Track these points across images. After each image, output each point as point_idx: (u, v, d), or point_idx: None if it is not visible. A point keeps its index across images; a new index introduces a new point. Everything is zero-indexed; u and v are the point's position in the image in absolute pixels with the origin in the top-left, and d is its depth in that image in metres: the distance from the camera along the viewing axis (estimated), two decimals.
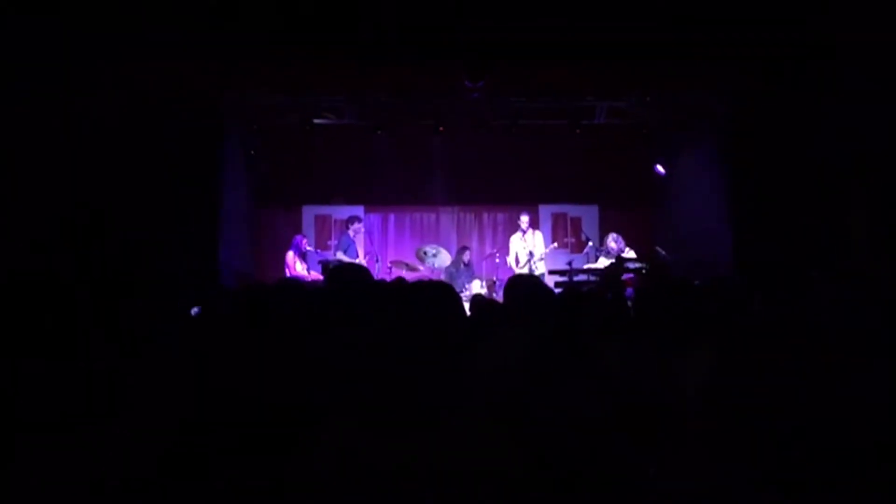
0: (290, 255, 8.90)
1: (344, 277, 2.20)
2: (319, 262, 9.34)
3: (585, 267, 8.70)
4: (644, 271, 7.68)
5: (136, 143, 7.26)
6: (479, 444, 1.75)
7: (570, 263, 8.41)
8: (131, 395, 2.34)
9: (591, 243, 9.18)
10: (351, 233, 9.19)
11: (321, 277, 8.89)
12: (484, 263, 10.01)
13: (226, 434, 2.03)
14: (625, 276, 7.73)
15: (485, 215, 11.12)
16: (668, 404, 2.03)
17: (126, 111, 7.20)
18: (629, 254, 8.55)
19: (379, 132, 9.24)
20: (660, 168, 9.90)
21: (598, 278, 8.12)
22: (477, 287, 8.87)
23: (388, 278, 8.24)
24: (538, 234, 9.48)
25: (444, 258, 9.30)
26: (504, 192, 10.60)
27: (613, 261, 8.41)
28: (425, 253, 9.25)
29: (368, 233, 9.92)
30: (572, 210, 10.97)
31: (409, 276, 9.00)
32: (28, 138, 6.58)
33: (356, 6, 5.91)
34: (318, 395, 1.88)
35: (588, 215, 10.84)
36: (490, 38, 6.44)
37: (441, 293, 2.22)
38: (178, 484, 1.78)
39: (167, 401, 2.16)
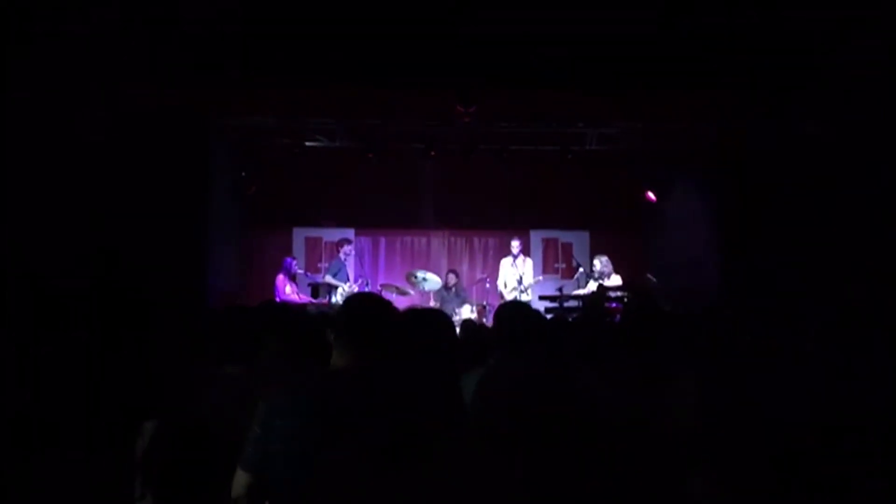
0: (281, 277, 8.83)
1: (366, 310, 2.16)
2: (309, 284, 9.29)
3: (575, 293, 8.69)
4: (626, 300, 7.64)
5: (124, 163, 7.21)
6: (475, 474, 1.72)
7: (560, 289, 8.41)
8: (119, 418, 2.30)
9: (581, 269, 9.19)
10: (342, 256, 9.17)
11: (311, 300, 8.83)
12: (474, 288, 9.99)
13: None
14: (612, 305, 7.70)
15: (475, 240, 11.12)
16: (653, 431, 2.01)
17: (115, 131, 7.17)
18: (615, 279, 8.55)
19: (370, 155, 9.25)
20: (650, 195, 9.95)
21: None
22: (467, 312, 8.83)
23: None
24: (528, 260, 9.47)
25: (433, 282, 9.27)
26: (495, 217, 10.61)
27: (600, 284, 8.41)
28: (415, 277, 9.22)
29: (359, 256, 9.89)
30: (563, 236, 10.99)
31: (400, 300, 8.97)
32: (10, 153, 6.52)
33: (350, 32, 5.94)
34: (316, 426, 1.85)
35: (579, 241, 10.85)
36: (483, 63, 6.48)
37: (437, 320, 2.20)
38: None
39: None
